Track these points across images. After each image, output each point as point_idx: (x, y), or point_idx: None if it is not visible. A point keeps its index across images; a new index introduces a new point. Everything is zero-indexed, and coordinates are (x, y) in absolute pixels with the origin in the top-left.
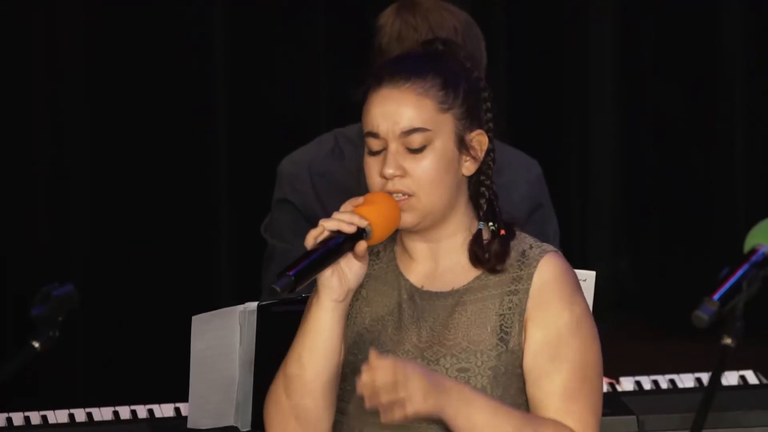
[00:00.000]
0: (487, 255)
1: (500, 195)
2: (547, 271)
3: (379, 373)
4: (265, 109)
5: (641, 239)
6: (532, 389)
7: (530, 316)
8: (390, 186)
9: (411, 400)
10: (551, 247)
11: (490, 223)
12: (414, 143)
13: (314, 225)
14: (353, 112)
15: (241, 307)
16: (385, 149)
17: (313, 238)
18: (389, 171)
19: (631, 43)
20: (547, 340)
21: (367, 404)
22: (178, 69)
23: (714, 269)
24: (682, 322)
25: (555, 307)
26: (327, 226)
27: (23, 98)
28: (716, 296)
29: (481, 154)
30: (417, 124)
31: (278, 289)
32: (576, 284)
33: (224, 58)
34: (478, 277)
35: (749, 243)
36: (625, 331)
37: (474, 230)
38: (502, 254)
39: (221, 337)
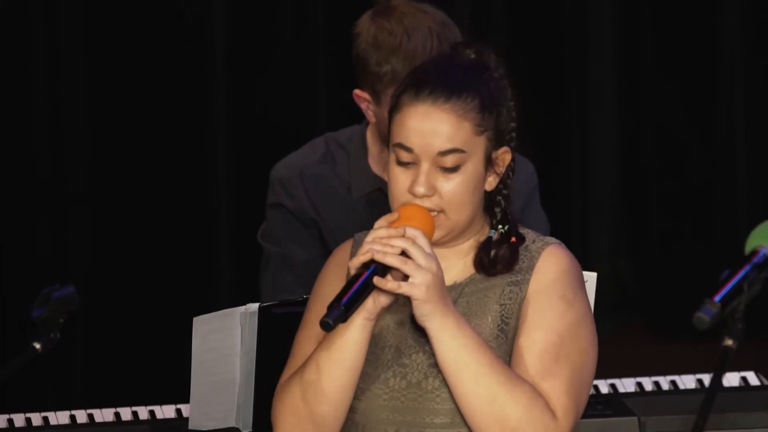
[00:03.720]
0: (493, 262)
1: None
2: (549, 261)
3: (409, 232)
4: (263, 113)
5: (642, 240)
6: (512, 363)
7: (527, 302)
8: (417, 203)
9: (414, 281)
10: (554, 240)
11: (500, 227)
12: (448, 163)
13: (308, 228)
14: (352, 117)
15: (242, 308)
16: (414, 163)
17: (359, 262)
18: (421, 190)
19: (631, 43)
20: (528, 322)
21: (374, 255)
22: (176, 72)
23: (715, 270)
24: (683, 323)
25: (552, 296)
26: (376, 256)
27: (23, 99)
28: (717, 298)
29: (503, 170)
30: (454, 145)
31: (331, 322)
32: (577, 275)
33: (223, 62)
34: (479, 272)
35: (750, 244)
36: (626, 333)
37: (482, 236)
38: (511, 261)
39: (222, 339)
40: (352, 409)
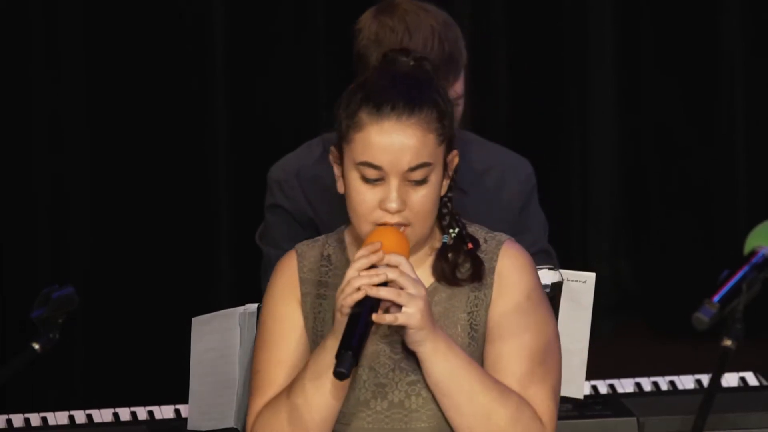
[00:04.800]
0: (454, 272)
1: (486, 197)
2: (509, 263)
3: (393, 260)
4: (263, 113)
5: (641, 240)
6: (491, 370)
7: (496, 307)
8: (389, 218)
9: (409, 310)
10: (504, 236)
11: (451, 230)
12: (417, 176)
13: (306, 229)
14: None
15: (240, 308)
16: (382, 179)
17: (353, 301)
18: (393, 206)
19: (631, 43)
20: (508, 328)
21: (368, 291)
22: (176, 72)
23: (714, 271)
24: (683, 323)
25: (521, 300)
26: (370, 292)
27: (23, 99)
28: (716, 298)
29: (451, 173)
30: (422, 160)
31: (346, 371)
32: (535, 271)
33: (223, 62)
34: (439, 281)
35: (749, 244)
36: (625, 333)
37: (436, 242)
38: (477, 274)
39: (221, 339)
40: (342, 421)
